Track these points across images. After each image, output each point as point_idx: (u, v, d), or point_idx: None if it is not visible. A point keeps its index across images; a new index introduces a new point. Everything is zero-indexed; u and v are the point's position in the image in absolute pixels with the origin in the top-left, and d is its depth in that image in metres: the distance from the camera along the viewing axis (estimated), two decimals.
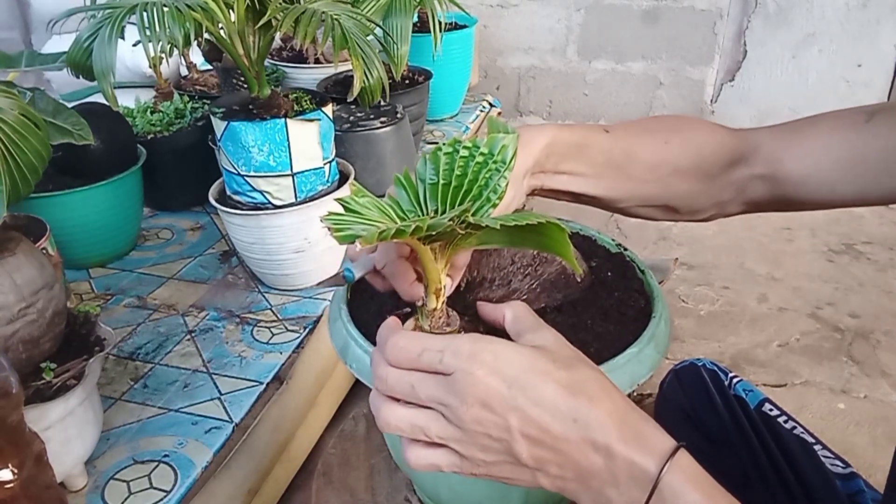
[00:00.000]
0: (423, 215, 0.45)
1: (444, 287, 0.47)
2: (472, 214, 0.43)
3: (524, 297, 0.55)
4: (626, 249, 0.65)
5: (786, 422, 0.69)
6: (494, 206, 0.44)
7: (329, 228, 0.39)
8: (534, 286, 0.55)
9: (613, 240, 0.66)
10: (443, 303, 0.48)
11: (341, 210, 0.42)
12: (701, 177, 0.59)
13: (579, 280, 0.58)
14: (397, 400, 0.42)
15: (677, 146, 0.59)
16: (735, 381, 0.74)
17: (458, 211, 0.40)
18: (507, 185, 0.44)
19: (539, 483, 0.40)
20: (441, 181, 0.45)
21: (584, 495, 0.40)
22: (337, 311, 0.56)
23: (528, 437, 0.39)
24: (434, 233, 0.41)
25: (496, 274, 0.56)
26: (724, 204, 0.61)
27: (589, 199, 0.60)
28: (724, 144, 0.59)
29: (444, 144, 0.45)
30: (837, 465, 0.65)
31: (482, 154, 0.45)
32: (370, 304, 0.59)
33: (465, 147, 0.45)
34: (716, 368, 0.76)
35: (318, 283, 0.52)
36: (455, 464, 0.41)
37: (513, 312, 0.46)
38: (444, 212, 0.45)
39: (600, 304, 0.56)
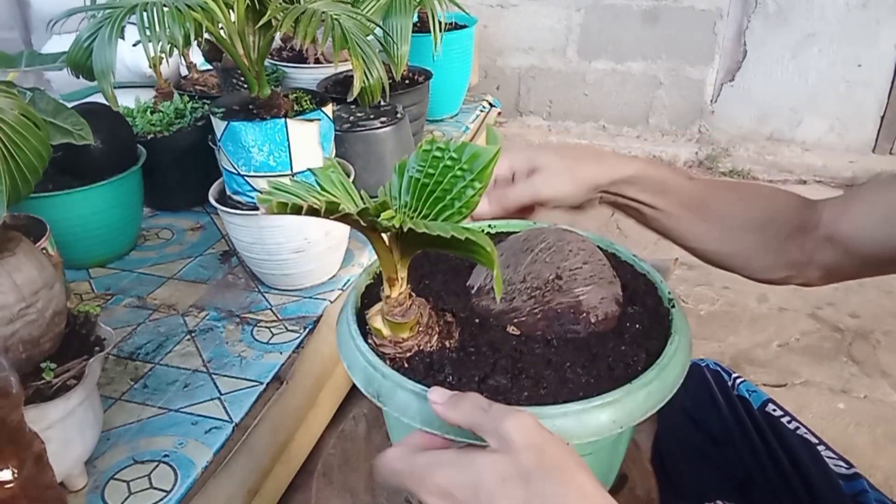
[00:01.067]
0: (399, 206, 0.46)
1: (401, 279, 0.48)
2: (434, 218, 0.44)
3: (523, 317, 0.53)
4: (676, 305, 0.57)
5: (789, 422, 0.69)
6: (460, 213, 0.44)
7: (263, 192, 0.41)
8: (535, 310, 0.53)
9: (669, 293, 0.58)
10: (401, 293, 0.48)
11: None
12: (768, 237, 0.63)
13: (593, 321, 0.53)
14: None
15: (749, 204, 0.63)
16: (738, 381, 0.74)
17: (363, 207, 0.41)
18: (475, 195, 0.43)
19: None
20: (416, 177, 0.45)
21: None
22: (346, 325, 0.55)
23: None
24: (377, 221, 0.41)
25: (504, 287, 0.55)
26: (799, 266, 0.64)
27: (657, 229, 0.65)
28: (795, 209, 0.63)
29: (427, 141, 0.46)
30: (841, 466, 0.65)
31: (451, 158, 0.44)
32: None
33: (438, 148, 0.45)
34: (719, 369, 0.76)
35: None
36: None
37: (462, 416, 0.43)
38: (415, 208, 0.45)
39: (596, 354, 0.51)
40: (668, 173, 0.62)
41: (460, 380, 0.48)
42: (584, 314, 0.53)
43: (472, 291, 0.56)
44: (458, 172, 0.44)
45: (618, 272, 0.58)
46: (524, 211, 0.63)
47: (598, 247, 0.59)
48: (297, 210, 0.40)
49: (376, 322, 0.50)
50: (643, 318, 0.55)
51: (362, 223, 0.42)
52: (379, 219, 0.40)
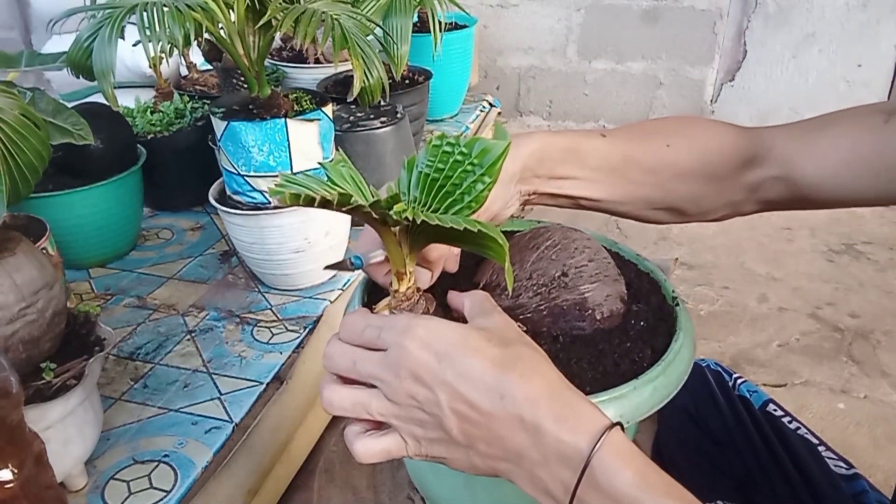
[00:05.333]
0: (409, 201, 0.46)
1: (409, 273, 0.48)
2: (443, 212, 0.45)
3: (529, 314, 0.53)
4: (680, 304, 0.56)
5: (790, 422, 0.69)
6: (470, 207, 0.44)
7: (275, 184, 0.41)
8: (541, 307, 0.53)
9: (673, 292, 0.57)
10: (409, 287, 0.49)
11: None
12: (707, 178, 0.58)
13: (598, 318, 0.53)
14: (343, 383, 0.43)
15: (679, 149, 0.58)
16: (739, 381, 0.74)
17: (374, 199, 0.41)
18: (485, 189, 0.44)
19: (474, 464, 0.40)
20: (426, 172, 0.46)
21: (519, 477, 0.39)
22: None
23: (457, 412, 0.39)
24: (389, 215, 0.41)
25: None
26: (737, 204, 0.61)
27: (589, 203, 0.59)
28: (733, 145, 0.58)
29: (436, 137, 0.46)
30: (841, 467, 0.65)
31: (461, 153, 0.45)
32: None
33: (448, 143, 0.45)
34: (720, 369, 0.76)
35: (326, 267, 0.52)
36: (401, 446, 0.42)
37: (470, 300, 0.47)
38: (425, 202, 0.46)
39: (603, 350, 0.52)
40: (575, 136, 0.57)
41: None
42: (590, 311, 0.53)
43: (479, 287, 0.56)
44: (469, 167, 0.45)
45: (622, 271, 0.58)
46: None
47: (603, 246, 0.59)
48: (309, 202, 0.40)
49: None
50: (648, 316, 0.55)
51: (374, 216, 0.42)
52: (391, 211, 0.41)
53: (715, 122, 0.61)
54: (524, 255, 0.55)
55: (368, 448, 0.42)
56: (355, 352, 0.43)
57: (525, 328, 0.53)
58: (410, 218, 0.41)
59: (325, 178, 0.45)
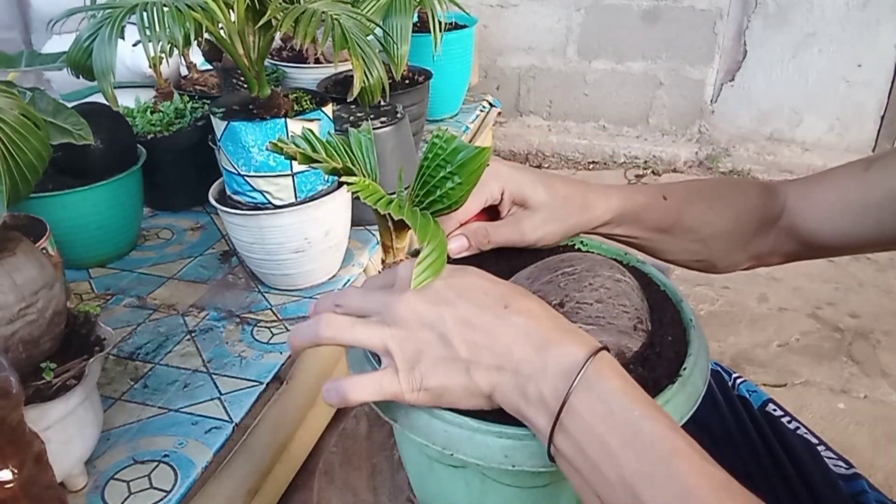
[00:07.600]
0: (410, 186, 0.51)
1: (396, 248, 0.51)
2: (421, 200, 0.49)
3: None
4: (683, 380, 0.46)
5: (789, 422, 0.69)
6: (441, 202, 0.47)
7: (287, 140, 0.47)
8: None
9: (685, 368, 0.46)
10: (395, 261, 0.52)
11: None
12: (736, 238, 0.67)
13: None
14: None
15: (719, 211, 0.66)
16: (738, 381, 0.74)
17: (335, 165, 0.46)
18: (455, 188, 0.46)
19: (476, 383, 0.40)
20: (422, 161, 0.49)
21: (510, 388, 0.40)
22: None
23: (462, 322, 0.41)
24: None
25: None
26: (762, 257, 0.69)
27: (630, 246, 0.67)
28: (759, 206, 0.66)
29: (438, 128, 0.49)
30: (840, 466, 0.65)
31: (440, 148, 0.47)
32: None
33: (436, 136, 0.48)
34: (719, 369, 0.76)
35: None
36: (393, 380, 0.41)
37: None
38: (416, 190, 0.50)
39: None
40: (644, 201, 0.63)
41: None
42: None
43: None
44: (442, 163, 0.47)
45: (663, 328, 0.50)
46: None
47: (671, 298, 0.53)
48: (279, 150, 0.47)
49: None
50: (640, 382, 0.45)
51: (342, 180, 0.48)
52: (345, 183, 0.46)
53: (749, 183, 0.69)
54: (541, 274, 0.52)
55: (360, 384, 0.41)
56: (364, 292, 0.45)
57: None
58: (355, 192, 0.45)
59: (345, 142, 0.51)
